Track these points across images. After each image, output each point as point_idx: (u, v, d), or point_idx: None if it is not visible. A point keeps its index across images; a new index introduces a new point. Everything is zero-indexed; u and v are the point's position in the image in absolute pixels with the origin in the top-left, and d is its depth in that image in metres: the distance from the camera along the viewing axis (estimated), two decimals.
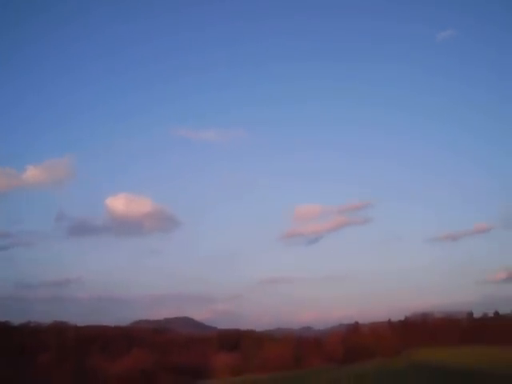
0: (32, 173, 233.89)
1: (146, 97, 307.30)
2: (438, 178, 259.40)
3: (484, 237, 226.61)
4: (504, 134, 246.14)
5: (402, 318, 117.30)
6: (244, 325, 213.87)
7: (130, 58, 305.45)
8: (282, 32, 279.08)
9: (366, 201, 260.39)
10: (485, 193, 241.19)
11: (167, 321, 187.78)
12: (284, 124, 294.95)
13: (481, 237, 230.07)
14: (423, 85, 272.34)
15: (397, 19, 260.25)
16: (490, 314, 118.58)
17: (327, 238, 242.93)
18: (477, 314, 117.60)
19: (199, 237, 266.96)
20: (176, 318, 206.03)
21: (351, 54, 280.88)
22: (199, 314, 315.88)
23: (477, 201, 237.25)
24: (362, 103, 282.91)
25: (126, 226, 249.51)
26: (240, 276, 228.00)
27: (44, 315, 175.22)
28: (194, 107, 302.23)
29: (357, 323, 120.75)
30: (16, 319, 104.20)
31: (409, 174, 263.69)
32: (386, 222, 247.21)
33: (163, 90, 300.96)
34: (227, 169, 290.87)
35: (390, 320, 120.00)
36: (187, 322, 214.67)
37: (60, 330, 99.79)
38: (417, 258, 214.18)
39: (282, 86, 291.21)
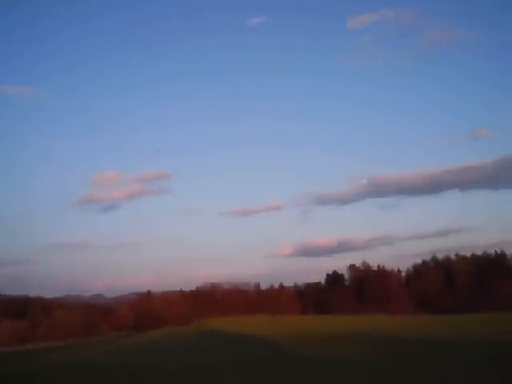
0: None
1: None
2: (236, 154, 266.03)
3: (275, 213, 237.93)
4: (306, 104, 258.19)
5: (194, 288, 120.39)
6: (32, 291, 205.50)
7: None
8: None
9: (166, 171, 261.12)
10: (280, 171, 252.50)
11: None
12: (87, 90, 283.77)
13: (273, 213, 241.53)
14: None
15: None
16: (276, 286, 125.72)
17: (124, 206, 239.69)
18: (264, 286, 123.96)
19: None
20: None
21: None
22: None
23: (272, 178, 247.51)
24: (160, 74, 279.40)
25: None
26: (30, 240, 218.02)
27: None
28: None
29: (149, 292, 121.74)
30: None
31: (208, 148, 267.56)
32: (183, 192, 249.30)
33: None
34: (26, 129, 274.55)
35: (181, 289, 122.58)
36: None
37: None
38: (211, 230, 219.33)
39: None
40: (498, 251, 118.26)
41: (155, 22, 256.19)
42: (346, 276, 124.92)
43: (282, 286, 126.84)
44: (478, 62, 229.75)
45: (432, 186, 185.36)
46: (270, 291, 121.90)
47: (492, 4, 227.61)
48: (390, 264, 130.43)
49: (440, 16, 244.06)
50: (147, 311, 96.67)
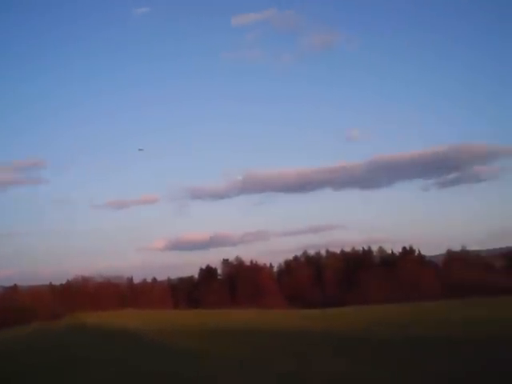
0: None
1: None
2: (111, 145, 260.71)
3: (150, 207, 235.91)
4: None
5: (64, 282, 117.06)
6: None
7: None
8: None
9: (38, 160, 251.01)
10: (156, 164, 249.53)
11: None
12: None
13: (147, 207, 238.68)
14: None
15: None
16: (149, 279, 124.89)
17: None
18: (137, 280, 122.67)
19: None
20: None
21: None
22: None
23: (148, 171, 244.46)
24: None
25: None
26: None
27: None
28: None
29: (15, 285, 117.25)
30: None
31: (83, 138, 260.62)
32: (56, 183, 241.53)
33: None
34: None
35: (51, 283, 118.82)
36: None
37: None
38: (84, 222, 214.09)
39: None
40: (366, 248, 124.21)
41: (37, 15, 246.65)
42: (220, 271, 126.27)
43: (154, 279, 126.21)
44: (354, 65, 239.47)
45: (305, 184, 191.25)
46: (143, 285, 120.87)
47: (373, 9, 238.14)
48: (263, 259, 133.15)
49: (321, 19, 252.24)
50: (13, 306, 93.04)
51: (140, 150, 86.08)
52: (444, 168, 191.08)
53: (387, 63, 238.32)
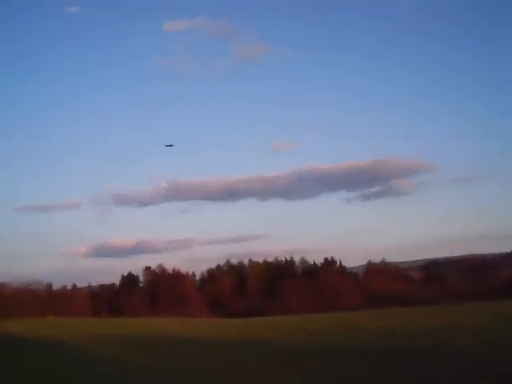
0: None
1: None
2: (35, 146, 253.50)
3: (73, 211, 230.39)
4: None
5: None
6: None
7: None
8: None
9: None
10: (79, 168, 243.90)
11: None
12: None
13: (70, 211, 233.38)
14: None
15: None
16: (69, 286, 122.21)
17: None
18: (56, 286, 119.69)
19: None
20: None
21: None
22: None
23: (71, 175, 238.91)
24: None
25: None
26: None
27: None
28: None
29: None
30: None
31: (5, 138, 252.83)
32: None
33: None
34: None
35: None
36: None
37: None
38: (3, 225, 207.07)
39: None
40: (288, 258, 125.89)
41: None
42: (142, 278, 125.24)
43: (74, 286, 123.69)
44: (283, 76, 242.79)
45: (230, 194, 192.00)
46: (62, 291, 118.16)
47: (304, 20, 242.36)
48: (187, 267, 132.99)
49: (252, 29, 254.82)
50: None
51: (168, 145, 79.30)
52: (367, 181, 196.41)
53: (316, 74, 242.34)
